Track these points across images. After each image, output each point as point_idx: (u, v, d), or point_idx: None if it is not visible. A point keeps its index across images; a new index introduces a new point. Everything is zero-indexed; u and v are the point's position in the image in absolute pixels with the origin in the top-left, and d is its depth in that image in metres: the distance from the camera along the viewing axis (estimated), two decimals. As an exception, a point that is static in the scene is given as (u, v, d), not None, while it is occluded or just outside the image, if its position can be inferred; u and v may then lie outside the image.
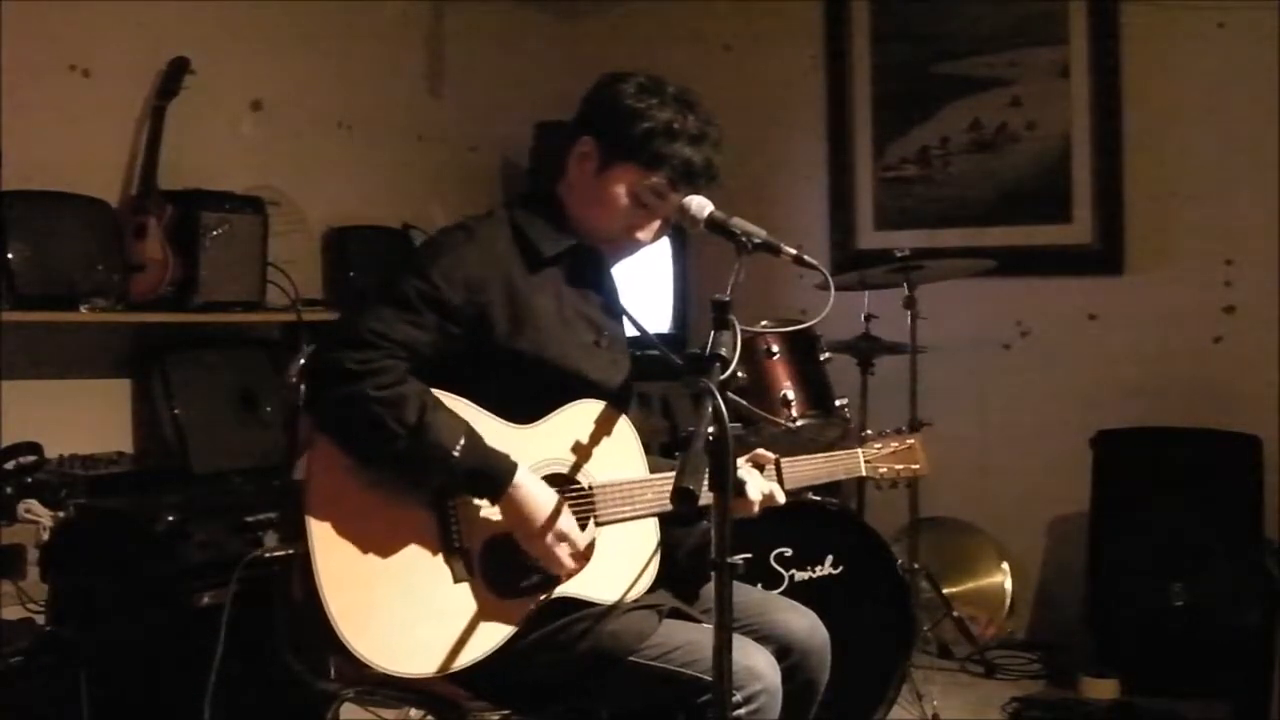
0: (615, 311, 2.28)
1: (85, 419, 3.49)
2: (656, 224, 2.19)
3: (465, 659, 1.94)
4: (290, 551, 1.96)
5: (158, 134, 3.53)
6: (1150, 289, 4.17)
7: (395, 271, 2.07)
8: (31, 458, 3.05)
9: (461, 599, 1.96)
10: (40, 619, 3.02)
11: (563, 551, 2.00)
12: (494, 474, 1.97)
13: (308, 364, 2.08)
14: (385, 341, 1.95)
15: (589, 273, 2.22)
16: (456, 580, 1.97)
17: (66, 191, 3.35)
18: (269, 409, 3.67)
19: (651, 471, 2.18)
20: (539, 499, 1.99)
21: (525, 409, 2.06)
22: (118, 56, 3.59)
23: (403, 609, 1.92)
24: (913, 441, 2.54)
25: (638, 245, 2.21)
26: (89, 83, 3.54)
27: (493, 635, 1.97)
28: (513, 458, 1.99)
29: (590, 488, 2.09)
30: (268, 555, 2.84)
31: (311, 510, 1.90)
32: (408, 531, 1.96)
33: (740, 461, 2.23)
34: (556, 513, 1.99)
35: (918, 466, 2.53)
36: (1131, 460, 3.98)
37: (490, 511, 2.00)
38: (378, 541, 1.93)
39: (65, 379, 3.48)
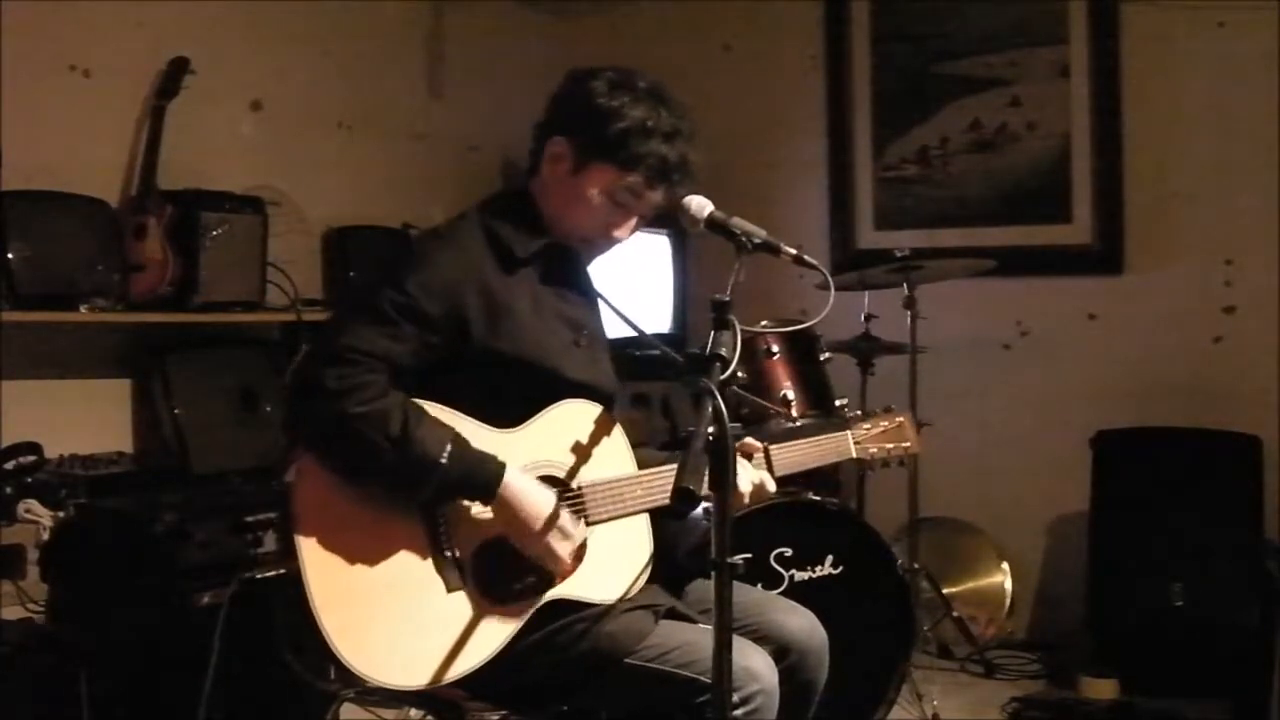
0: (594, 309, 2.27)
1: (85, 419, 3.49)
2: (633, 221, 2.18)
3: (463, 667, 1.93)
4: (282, 571, 1.95)
5: (157, 134, 3.53)
6: (1150, 289, 4.17)
7: (371, 283, 2.04)
8: (31, 458, 3.04)
9: (456, 608, 1.95)
10: (40, 619, 3.02)
11: (560, 546, 1.99)
12: (483, 476, 1.95)
13: (288, 381, 2.05)
14: (364, 357, 1.92)
15: (564, 271, 2.21)
16: (450, 589, 1.95)
17: (66, 191, 3.35)
18: (269, 409, 3.67)
19: (639, 467, 2.16)
20: (531, 496, 1.98)
21: (509, 412, 2.05)
22: (118, 56, 3.59)
23: (398, 622, 1.91)
24: (902, 419, 2.48)
25: (614, 243, 2.20)
26: (89, 83, 3.54)
27: (489, 642, 1.96)
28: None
29: (579, 488, 2.07)
30: (259, 577, 2.84)
31: (300, 527, 1.89)
32: (398, 543, 1.94)
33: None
34: (550, 508, 1.98)
35: (909, 444, 2.48)
36: (1131, 460, 3.98)
37: (482, 513, 1.99)
38: (368, 555, 1.92)
39: (65, 379, 3.48)
